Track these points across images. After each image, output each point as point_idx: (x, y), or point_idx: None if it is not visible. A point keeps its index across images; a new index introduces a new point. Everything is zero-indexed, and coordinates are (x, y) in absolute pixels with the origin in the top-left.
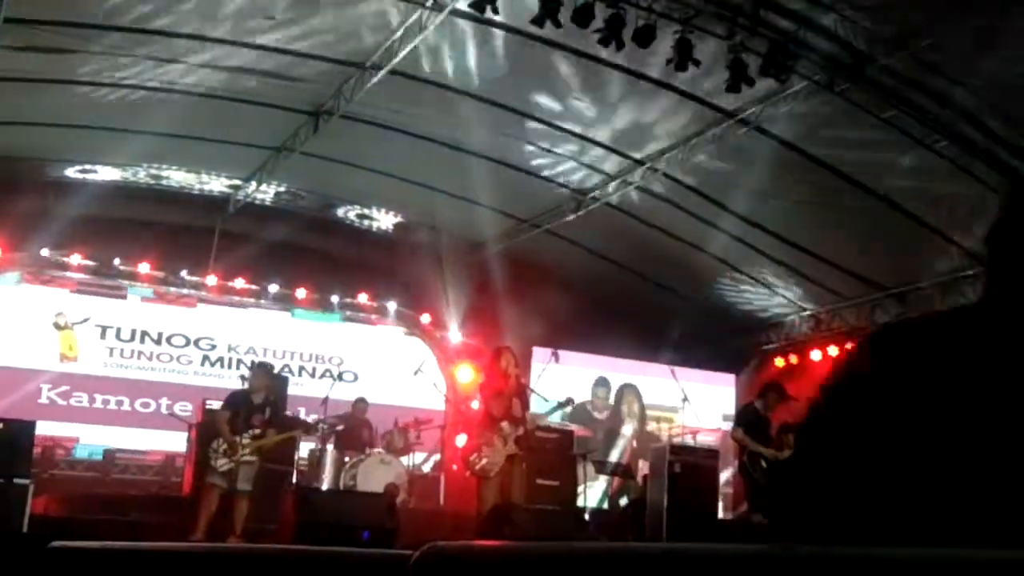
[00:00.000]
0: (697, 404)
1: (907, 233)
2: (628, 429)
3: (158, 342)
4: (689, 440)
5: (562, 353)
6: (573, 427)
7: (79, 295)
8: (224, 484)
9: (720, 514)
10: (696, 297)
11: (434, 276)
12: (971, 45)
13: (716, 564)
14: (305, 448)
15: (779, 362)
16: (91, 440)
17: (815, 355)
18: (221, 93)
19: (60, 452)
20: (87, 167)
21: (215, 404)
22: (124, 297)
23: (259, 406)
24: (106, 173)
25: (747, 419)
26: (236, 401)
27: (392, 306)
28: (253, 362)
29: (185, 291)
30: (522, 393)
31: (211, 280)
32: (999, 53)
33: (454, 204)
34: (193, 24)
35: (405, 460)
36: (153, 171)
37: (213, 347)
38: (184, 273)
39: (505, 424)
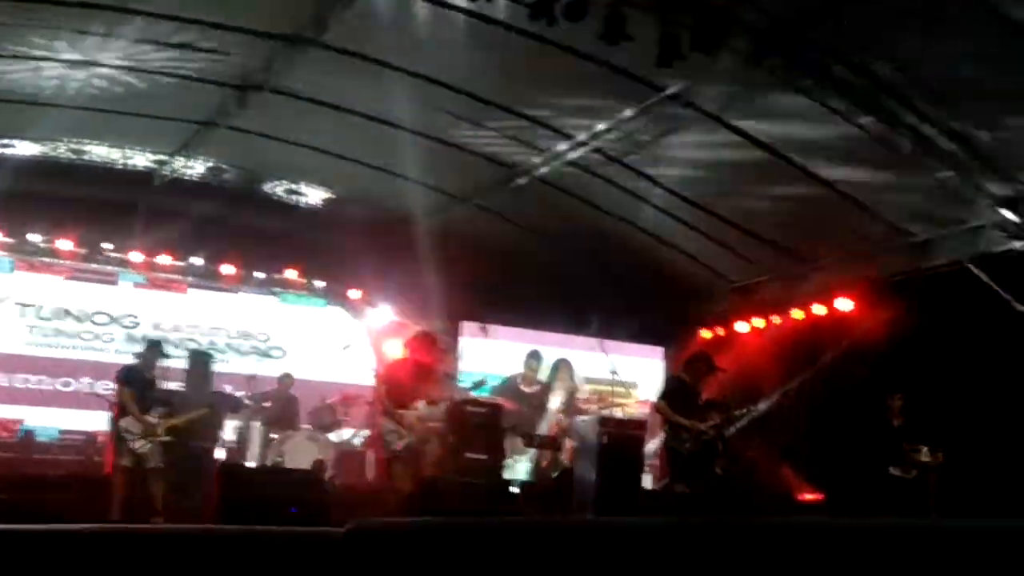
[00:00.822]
0: (626, 377)
1: (831, 206)
2: (556, 403)
3: (80, 320)
4: (617, 412)
5: (491, 327)
6: (501, 401)
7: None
8: (134, 464)
9: (647, 485)
10: (625, 271)
11: (363, 251)
12: (896, 20)
13: (631, 536)
14: (231, 425)
15: (706, 334)
16: (38, 422)
17: (741, 327)
18: (145, 66)
19: (4, 435)
20: (4, 141)
21: None
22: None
23: (151, 381)
24: (24, 148)
25: (672, 390)
26: (136, 378)
27: (320, 282)
28: (147, 339)
29: (109, 268)
30: (436, 374)
31: (136, 256)
32: (923, 28)
33: (384, 179)
34: None
35: (333, 436)
36: (74, 146)
37: (136, 324)
38: (107, 250)
39: (421, 404)
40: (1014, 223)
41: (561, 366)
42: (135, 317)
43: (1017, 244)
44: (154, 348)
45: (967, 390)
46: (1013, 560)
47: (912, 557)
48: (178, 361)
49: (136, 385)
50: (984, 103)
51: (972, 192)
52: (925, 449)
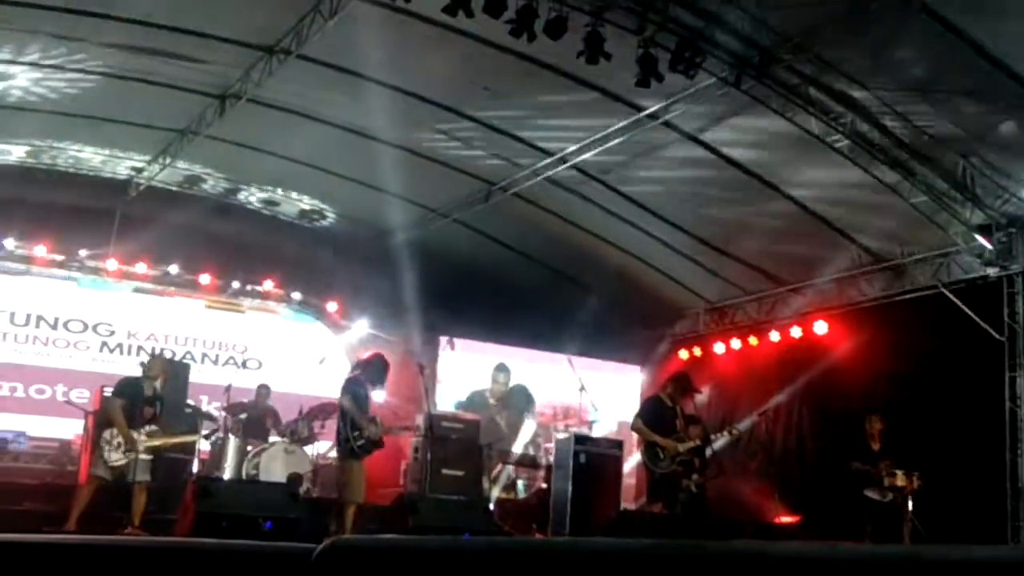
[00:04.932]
0: (601, 395)
1: (807, 229)
2: (531, 421)
3: (54, 327)
4: (591, 431)
5: (461, 341)
6: (478, 417)
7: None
8: (109, 477)
9: (624, 504)
10: (602, 289)
11: (341, 264)
12: (871, 47)
13: (608, 558)
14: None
15: (683, 354)
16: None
17: (718, 348)
18: (125, 73)
19: None
20: None
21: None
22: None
23: (150, 398)
24: (2, 152)
25: (650, 410)
26: (128, 390)
27: (297, 294)
28: (152, 350)
29: (82, 275)
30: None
31: (111, 264)
32: (897, 56)
33: (362, 192)
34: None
35: (310, 449)
36: (52, 151)
37: (112, 333)
38: (83, 256)
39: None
40: (988, 249)
41: (520, 392)
42: (110, 325)
43: (991, 270)
44: (154, 359)
45: (943, 414)
46: None
47: None
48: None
49: (127, 396)
50: (957, 129)
51: (946, 218)
52: (901, 473)
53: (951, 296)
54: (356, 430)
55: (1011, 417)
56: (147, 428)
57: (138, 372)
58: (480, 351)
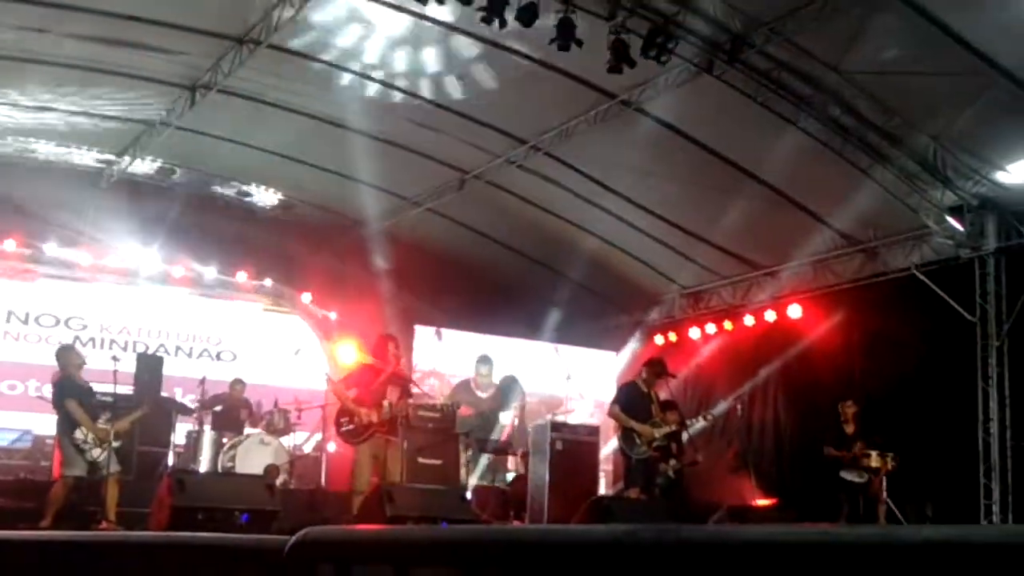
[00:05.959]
0: (580, 381)
1: (781, 213)
2: (509, 413)
3: (25, 322)
4: (569, 418)
5: (445, 331)
6: (454, 406)
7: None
8: (85, 474)
9: (601, 490)
10: (577, 276)
11: (314, 254)
12: (843, 31)
13: (584, 546)
14: (182, 430)
15: (659, 340)
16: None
17: (693, 333)
18: (93, 65)
19: None
20: None
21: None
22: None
23: (88, 388)
24: None
25: (626, 396)
26: (75, 388)
27: (271, 284)
28: (60, 345)
29: (54, 269)
30: (400, 380)
31: (83, 258)
32: (869, 39)
33: (336, 181)
34: None
35: (286, 441)
36: (20, 144)
37: (84, 327)
38: (54, 251)
39: (385, 404)
40: (960, 231)
41: (512, 383)
42: (82, 319)
43: (963, 252)
44: (68, 351)
45: (917, 395)
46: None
47: (867, 568)
48: (127, 364)
49: (77, 394)
50: (928, 112)
51: (918, 200)
52: (876, 454)
53: (924, 278)
54: (344, 416)
55: (983, 397)
56: (104, 416)
57: (68, 367)
58: (462, 341)
